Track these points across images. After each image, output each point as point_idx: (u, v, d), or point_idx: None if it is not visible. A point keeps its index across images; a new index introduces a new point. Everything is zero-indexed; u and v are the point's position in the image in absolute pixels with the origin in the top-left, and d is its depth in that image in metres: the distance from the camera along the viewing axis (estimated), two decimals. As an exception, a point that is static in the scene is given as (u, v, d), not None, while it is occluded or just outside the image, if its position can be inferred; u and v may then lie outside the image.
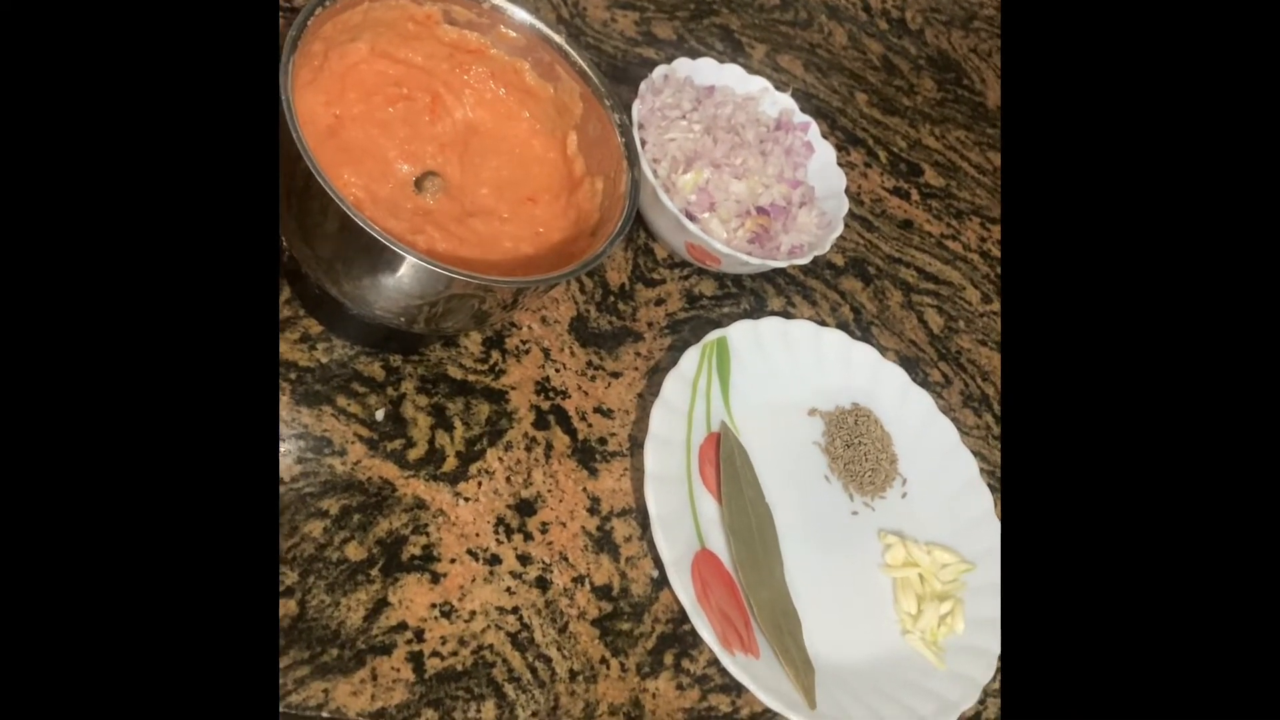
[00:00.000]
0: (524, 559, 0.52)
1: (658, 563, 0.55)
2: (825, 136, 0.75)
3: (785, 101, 0.73)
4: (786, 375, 0.65)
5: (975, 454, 0.67)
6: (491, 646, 0.49)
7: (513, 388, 0.57)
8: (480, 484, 0.53)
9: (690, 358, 0.60)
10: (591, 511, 0.55)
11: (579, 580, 0.53)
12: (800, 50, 0.89)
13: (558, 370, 0.59)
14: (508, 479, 0.54)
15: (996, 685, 0.59)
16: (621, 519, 0.56)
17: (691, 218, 0.64)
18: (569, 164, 0.55)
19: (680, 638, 0.54)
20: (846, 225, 0.72)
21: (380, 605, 0.48)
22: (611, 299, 0.64)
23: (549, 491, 0.55)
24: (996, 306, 0.81)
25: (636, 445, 0.59)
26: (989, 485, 0.67)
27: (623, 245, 0.66)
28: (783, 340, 0.65)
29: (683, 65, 0.70)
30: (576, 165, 0.55)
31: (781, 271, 0.71)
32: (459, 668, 0.48)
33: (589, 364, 0.60)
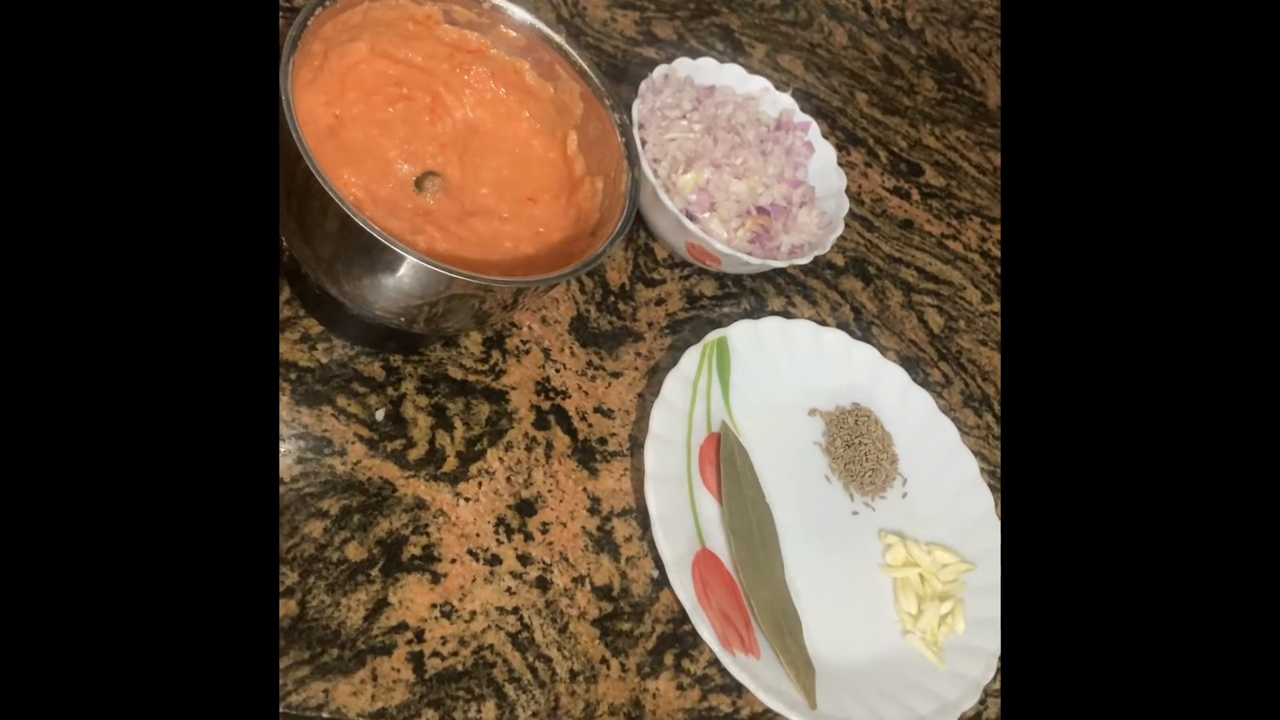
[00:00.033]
0: (524, 559, 0.52)
1: (658, 563, 0.55)
2: (825, 136, 0.75)
3: (785, 101, 0.73)
4: (787, 375, 0.65)
5: (976, 454, 0.67)
6: (492, 647, 0.49)
7: (513, 388, 0.57)
8: (480, 484, 0.53)
9: (690, 358, 0.60)
10: (592, 511, 0.55)
11: (579, 580, 0.53)
12: (800, 50, 0.89)
13: (558, 370, 0.59)
14: (508, 479, 0.54)
15: (997, 685, 0.59)
16: (622, 519, 0.56)
17: (692, 218, 0.64)
18: (569, 164, 0.55)
19: (680, 638, 0.54)
20: (847, 225, 0.72)
21: (380, 605, 0.48)
22: (612, 299, 0.64)
23: (549, 491, 0.55)
24: (997, 306, 0.81)
25: (637, 445, 0.59)
26: (989, 485, 0.67)
27: (623, 245, 0.66)
28: (783, 340, 0.65)
29: (683, 65, 0.70)
30: (577, 165, 0.55)
31: (782, 271, 0.71)
32: (459, 668, 0.48)
33: (589, 364, 0.60)
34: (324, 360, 0.52)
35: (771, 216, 0.66)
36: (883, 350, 0.69)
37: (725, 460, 0.59)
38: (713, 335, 0.62)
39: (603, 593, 0.53)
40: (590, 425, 0.58)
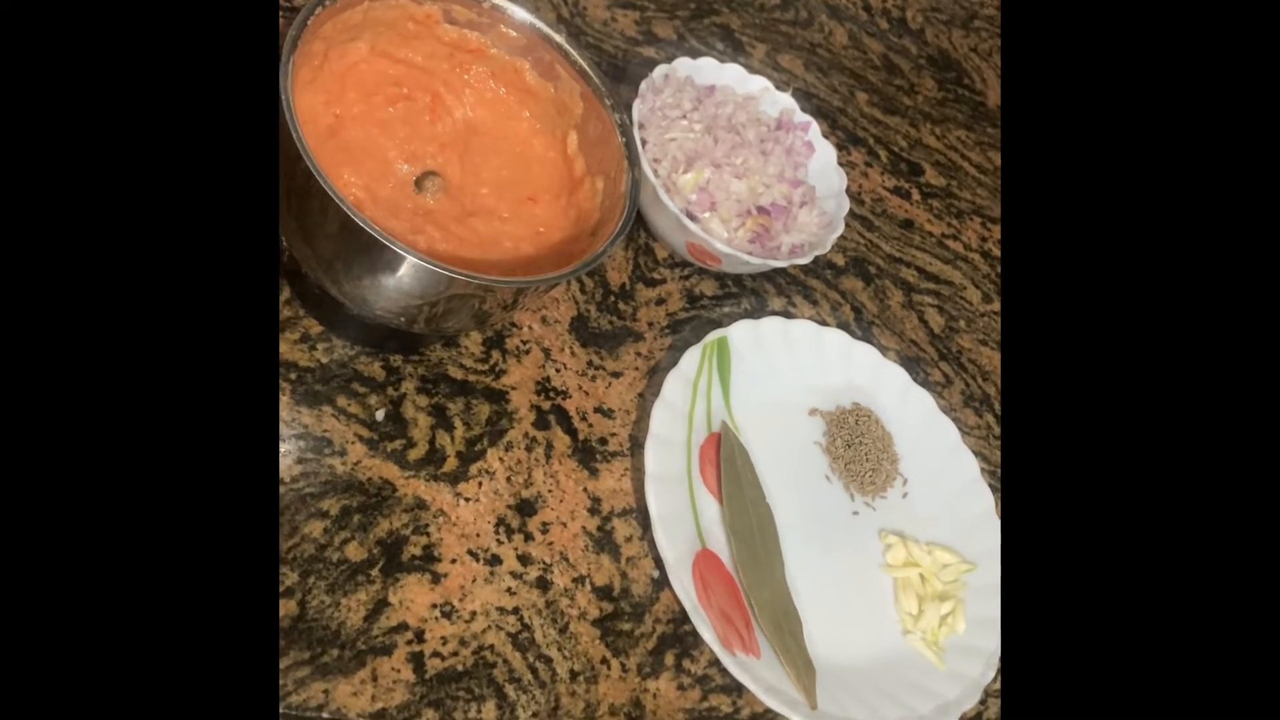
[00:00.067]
0: (524, 559, 0.52)
1: (658, 563, 0.55)
2: (826, 136, 0.75)
3: (786, 101, 0.73)
4: (787, 375, 0.65)
5: (976, 454, 0.67)
6: (492, 647, 0.49)
7: (513, 388, 0.57)
8: (481, 484, 0.53)
9: (691, 358, 0.60)
10: (592, 512, 0.55)
11: (580, 580, 0.53)
12: (801, 50, 0.89)
13: (558, 370, 0.59)
14: (508, 479, 0.54)
15: (997, 685, 0.59)
16: (622, 519, 0.56)
17: (692, 217, 0.64)
18: (569, 163, 0.55)
19: (681, 638, 0.54)
20: (847, 225, 0.72)
21: (381, 606, 0.48)
22: (612, 299, 0.64)
23: (549, 492, 0.55)
24: (997, 306, 0.81)
25: (637, 445, 0.59)
26: (990, 485, 0.67)
27: (623, 245, 0.66)
28: (783, 340, 0.65)
29: (683, 65, 0.70)
30: (577, 165, 0.55)
31: (782, 271, 0.71)
32: (460, 668, 0.48)
33: (589, 364, 0.60)
34: (324, 360, 0.52)
35: (772, 216, 0.66)
36: (883, 350, 0.69)
37: (726, 460, 0.59)
38: (713, 335, 0.62)
39: (603, 593, 0.53)
40: (590, 425, 0.58)
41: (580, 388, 0.59)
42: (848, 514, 0.63)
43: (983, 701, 0.58)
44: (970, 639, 0.59)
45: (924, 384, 0.71)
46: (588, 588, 0.53)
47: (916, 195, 0.84)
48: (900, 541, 0.62)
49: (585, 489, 0.56)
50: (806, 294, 0.72)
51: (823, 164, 0.72)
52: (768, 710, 0.53)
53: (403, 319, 0.48)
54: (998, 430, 0.73)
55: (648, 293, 0.65)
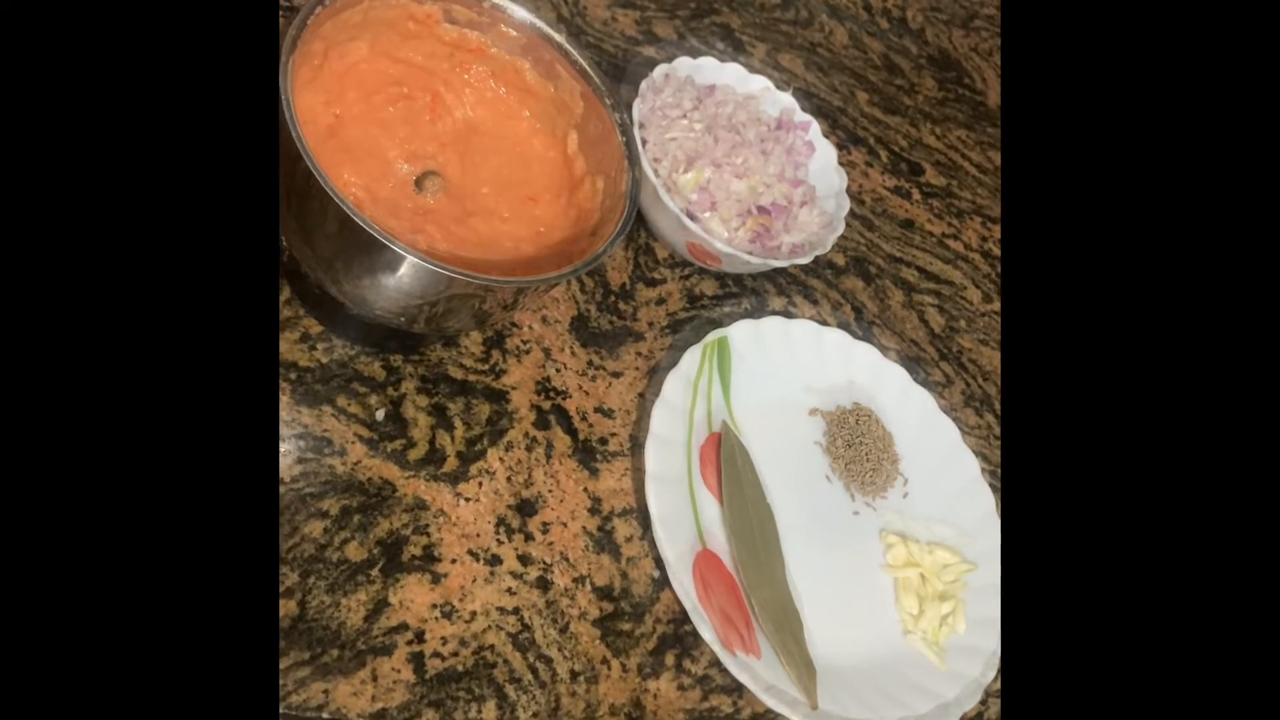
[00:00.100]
0: (525, 559, 0.52)
1: (659, 563, 0.55)
2: (826, 136, 0.75)
3: (786, 100, 0.73)
4: (787, 375, 0.65)
5: (977, 454, 0.67)
6: (492, 647, 0.49)
7: (513, 387, 0.57)
8: (481, 484, 0.53)
9: (691, 357, 0.60)
10: (592, 512, 0.55)
11: (580, 580, 0.53)
12: (801, 49, 0.89)
13: (558, 370, 0.59)
14: (508, 479, 0.54)
15: (997, 685, 0.59)
16: (622, 519, 0.56)
17: (692, 217, 0.64)
18: (569, 163, 0.55)
19: (681, 638, 0.54)
20: (847, 224, 0.72)
21: (381, 606, 0.48)
22: (612, 299, 0.64)
23: (550, 492, 0.55)
24: (997, 306, 0.81)
25: (637, 445, 0.59)
26: (990, 485, 0.67)
27: (623, 245, 0.66)
28: (784, 340, 0.65)
29: (683, 64, 0.70)
30: (577, 164, 0.55)
31: (782, 271, 0.71)
32: (460, 668, 0.48)
33: (590, 364, 0.60)
34: (324, 360, 0.52)
35: (772, 216, 0.66)
36: (883, 350, 0.69)
37: (726, 460, 0.59)
38: (713, 335, 0.62)
39: (603, 593, 0.53)
40: (591, 425, 0.58)
41: (580, 388, 0.59)
42: (848, 514, 0.63)
43: (983, 702, 0.58)
44: (970, 639, 0.59)
45: (924, 384, 0.71)
46: (588, 588, 0.53)
47: (917, 195, 0.84)
48: (901, 541, 0.62)
49: (585, 489, 0.56)
50: (807, 294, 0.72)
51: (823, 164, 0.72)
52: (768, 710, 0.53)
53: (403, 319, 0.48)
54: (998, 430, 0.73)
55: (648, 292, 0.65)
